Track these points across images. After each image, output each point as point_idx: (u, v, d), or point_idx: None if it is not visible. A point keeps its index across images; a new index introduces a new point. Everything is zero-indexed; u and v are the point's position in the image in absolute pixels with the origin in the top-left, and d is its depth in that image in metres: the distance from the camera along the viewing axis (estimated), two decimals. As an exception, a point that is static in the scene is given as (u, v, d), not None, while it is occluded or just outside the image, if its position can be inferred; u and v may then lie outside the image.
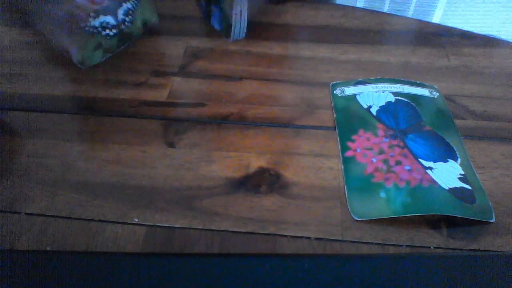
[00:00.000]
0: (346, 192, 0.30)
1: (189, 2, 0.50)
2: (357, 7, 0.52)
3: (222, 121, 0.36)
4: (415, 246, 0.27)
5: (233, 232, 0.28)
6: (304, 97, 0.38)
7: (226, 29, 0.44)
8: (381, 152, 0.32)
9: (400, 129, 0.34)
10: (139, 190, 0.30)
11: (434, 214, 0.28)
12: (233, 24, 0.42)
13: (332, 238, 0.27)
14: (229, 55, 0.43)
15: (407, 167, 0.31)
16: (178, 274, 0.23)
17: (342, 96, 0.38)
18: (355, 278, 0.23)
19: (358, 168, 0.31)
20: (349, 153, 0.33)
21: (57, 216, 0.28)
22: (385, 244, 0.27)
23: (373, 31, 0.47)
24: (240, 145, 0.34)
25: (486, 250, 0.27)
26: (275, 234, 0.28)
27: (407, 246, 0.27)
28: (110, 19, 0.39)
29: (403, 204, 0.29)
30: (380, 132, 0.34)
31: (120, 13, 0.39)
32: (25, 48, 0.44)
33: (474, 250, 0.27)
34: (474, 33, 0.47)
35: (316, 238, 0.27)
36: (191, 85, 0.40)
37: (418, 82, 0.40)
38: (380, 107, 0.36)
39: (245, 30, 0.44)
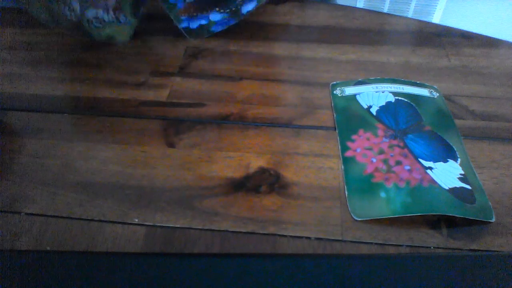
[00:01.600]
0: (346, 192, 0.30)
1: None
2: (357, 7, 0.52)
3: (222, 121, 0.36)
4: (415, 246, 0.27)
5: (233, 232, 0.28)
6: (304, 97, 0.38)
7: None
8: (381, 152, 0.32)
9: (400, 129, 0.34)
10: (139, 190, 0.30)
11: (434, 214, 0.28)
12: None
13: (332, 238, 0.27)
14: (229, 55, 0.43)
15: (407, 167, 0.31)
16: (178, 274, 0.23)
17: (342, 96, 0.38)
18: (355, 278, 0.23)
19: (358, 168, 0.31)
20: (349, 153, 0.33)
21: (57, 216, 0.28)
22: (385, 244, 0.27)
23: (373, 31, 0.47)
24: (240, 145, 0.34)
25: (486, 250, 0.27)
26: (275, 234, 0.28)
27: (407, 246, 0.27)
28: None
29: (403, 204, 0.29)
30: (380, 132, 0.34)
31: None
32: (25, 48, 0.44)
33: (474, 250, 0.27)
34: (474, 33, 0.47)
35: (316, 238, 0.27)
36: (191, 85, 0.40)
37: (418, 82, 0.40)
38: (380, 107, 0.36)
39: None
